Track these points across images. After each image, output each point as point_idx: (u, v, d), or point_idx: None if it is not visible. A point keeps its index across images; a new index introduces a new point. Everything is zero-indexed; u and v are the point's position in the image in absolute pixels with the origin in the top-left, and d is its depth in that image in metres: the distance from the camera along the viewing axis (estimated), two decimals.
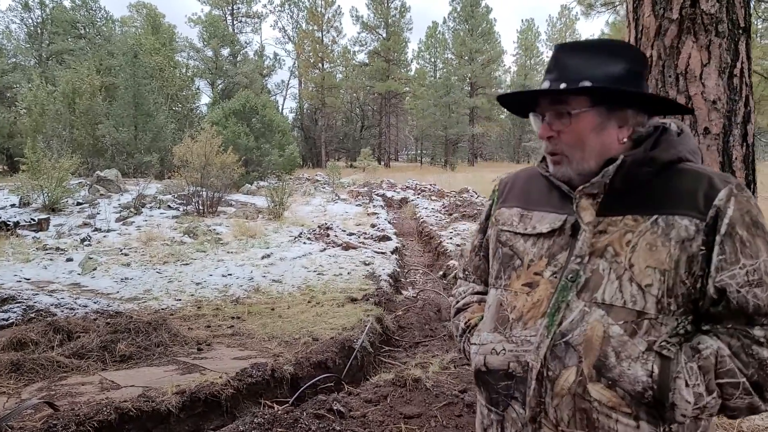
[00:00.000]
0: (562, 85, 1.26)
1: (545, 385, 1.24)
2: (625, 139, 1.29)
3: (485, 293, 1.57)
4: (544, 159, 1.43)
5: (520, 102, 1.44)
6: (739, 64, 2.90)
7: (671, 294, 1.18)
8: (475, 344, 1.42)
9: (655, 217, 1.21)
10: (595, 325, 1.20)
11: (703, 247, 1.18)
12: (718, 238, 1.18)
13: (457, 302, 1.63)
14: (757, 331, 1.15)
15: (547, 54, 68.18)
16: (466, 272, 1.65)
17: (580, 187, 1.28)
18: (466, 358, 1.54)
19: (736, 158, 2.90)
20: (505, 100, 1.43)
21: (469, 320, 1.54)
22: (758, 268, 1.16)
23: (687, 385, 1.15)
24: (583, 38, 71.46)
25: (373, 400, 3.66)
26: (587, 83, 1.25)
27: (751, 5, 2.73)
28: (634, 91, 1.27)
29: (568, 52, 1.31)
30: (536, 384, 1.25)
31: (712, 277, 1.18)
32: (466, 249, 1.68)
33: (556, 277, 1.28)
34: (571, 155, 1.30)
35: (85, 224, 12.57)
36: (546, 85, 1.30)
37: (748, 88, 2.95)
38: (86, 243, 10.76)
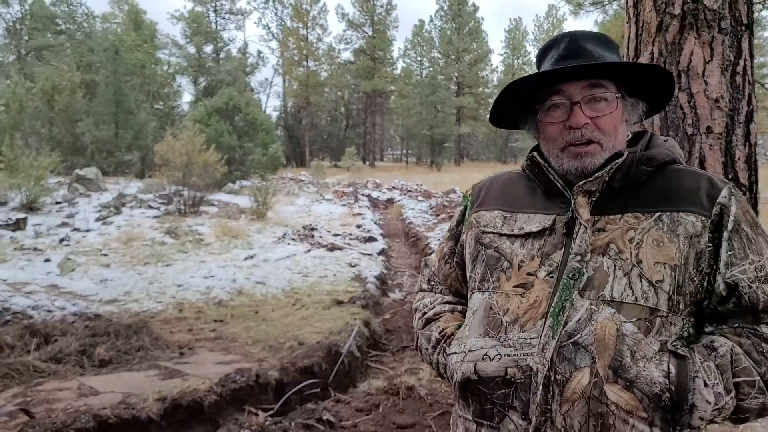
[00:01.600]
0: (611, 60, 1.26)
1: (552, 390, 1.14)
2: (629, 134, 1.32)
3: (455, 303, 1.49)
4: (530, 159, 1.37)
5: (520, 99, 1.35)
6: (741, 62, 2.83)
7: (681, 291, 1.16)
8: (456, 353, 1.30)
9: (658, 214, 1.20)
10: (606, 324, 1.13)
11: (710, 244, 1.17)
12: (725, 234, 1.17)
13: (424, 313, 1.50)
14: (766, 329, 1.14)
15: (534, 54, 68.59)
16: (432, 283, 1.56)
17: (580, 183, 1.24)
18: (437, 371, 1.45)
19: (738, 158, 2.82)
20: (512, 99, 1.36)
21: (443, 329, 1.43)
22: (764, 264, 1.17)
23: (706, 384, 1.09)
24: None
25: (364, 409, 3.54)
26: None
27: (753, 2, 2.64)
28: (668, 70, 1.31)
29: (587, 39, 1.29)
30: (543, 389, 1.14)
31: (722, 273, 1.16)
32: (430, 259, 1.59)
33: (552, 277, 1.21)
34: (606, 144, 1.24)
35: (64, 224, 12.29)
36: (569, 64, 1.25)
37: (750, 86, 2.87)
38: (65, 243, 10.50)
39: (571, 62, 1.24)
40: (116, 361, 4.84)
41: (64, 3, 46.33)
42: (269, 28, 64.86)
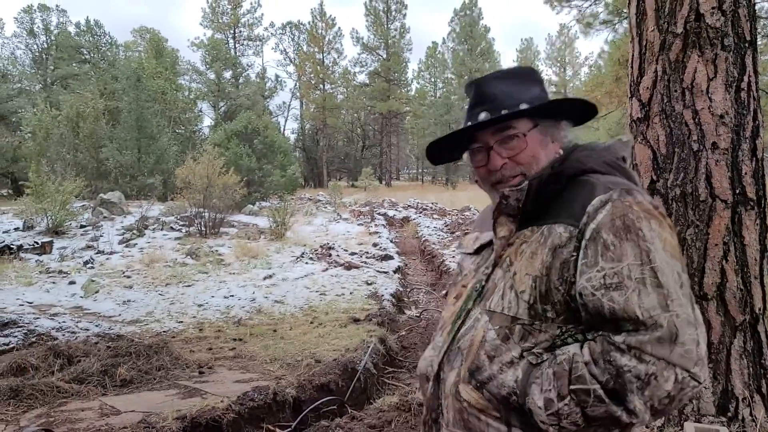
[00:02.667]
0: (503, 111, 1.32)
1: (440, 387, 1.33)
2: (559, 151, 1.38)
3: None
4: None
5: (449, 146, 1.50)
6: (746, 78, 2.87)
7: (546, 300, 1.20)
8: None
9: (543, 227, 1.25)
10: (479, 331, 1.26)
11: (574, 253, 1.19)
12: (583, 243, 1.18)
13: None
14: (619, 337, 1.11)
15: (546, 73, 68.51)
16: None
17: (494, 208, 1.34)
18: None
19: (745, 173, 2.85)
20: (439, 146, 1.50)
21: None
22: (619, 271, 1.13)
23: (541, 390, 1.14)
24: (582, 56, 71.63)
25: (377, 426, 3.57)
26: (524, 105, 1.32)
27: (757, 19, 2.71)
28: (575, 99, 1.37)
29: (491, 83, 1.39)
30: (433, 384, 1.35)
31: (576, 282, 1.18)
32: None
33: (472, 288, 1.37)
34: (528, 173, 1.33)
35: (88, 247, 12.54)
36: (483, 116, 1.34)
37: (756, 102, 2.91)
38: (89, 266, 10.71)
39: (478, 110, 1.36)
40: (137, 381, 4.92)
41: (88, 33, 47.51)
42: (286, 53, 65.71)
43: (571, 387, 1.12)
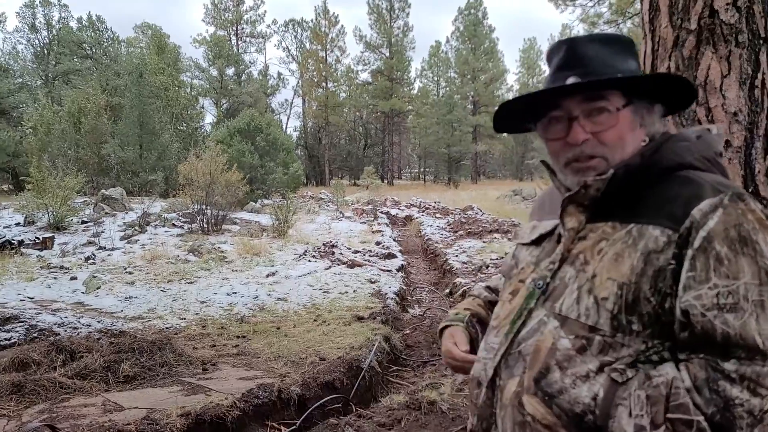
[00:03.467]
0: (591, 78, 1.15)
1: (496, 394, 1.18)
2: (645, 140, 1.21)
3: (494, 288, 1.60)
4: (547, 164, 1.32)
5: (522, 112, 1.29)
6: (760, 75, 2.83)
7: (632, 311, 1.06)
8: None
9: (632, 225, 1.11)
10: (546, 336, 1.12)
11: (673, 262, 1.05)
12: (689, 252, 1.03)
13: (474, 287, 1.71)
14: (729, 365, 0.97)
15: (548, 73, 68.36)
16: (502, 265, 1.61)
17: (567, 194, 1.19)
18: None
19: (759, 171, 2.81)
20: (510, 110, 1.29)
21: (455, 311, 1.57)
22: (735, 290, 0.99)
23: (630, 414, 1.00)
24: None
25: (386, 424, 3.55)
26: (620, 75, 1.16)
27: None
28: (680, 78, 1.20)
29: (587, 44, 1.20)
30: (486, 392, 1.20)
31: (679, 296, 1.04)
32: None
33: (532, 284, 1.22)
34: (611, 157, 1.17)
35: (90, 243, 12.52)
36: (572, 80, 1.15)
37: None
38: (90, 261, 10.69)
39: (567, 73, 1.18)
40: (140, 377, 4.90)
41: (90, 28, 47.49)
42: (289, 50, 65.76)
43: (668, 416, 0.98)
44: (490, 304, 1.51)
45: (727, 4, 2.92)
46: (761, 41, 2.85)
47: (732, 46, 2.85)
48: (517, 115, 1.31)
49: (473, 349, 1.40)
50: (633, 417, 1.00)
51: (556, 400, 1.07)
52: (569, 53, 1.20)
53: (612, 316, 1.07)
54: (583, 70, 1.16)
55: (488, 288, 1.60)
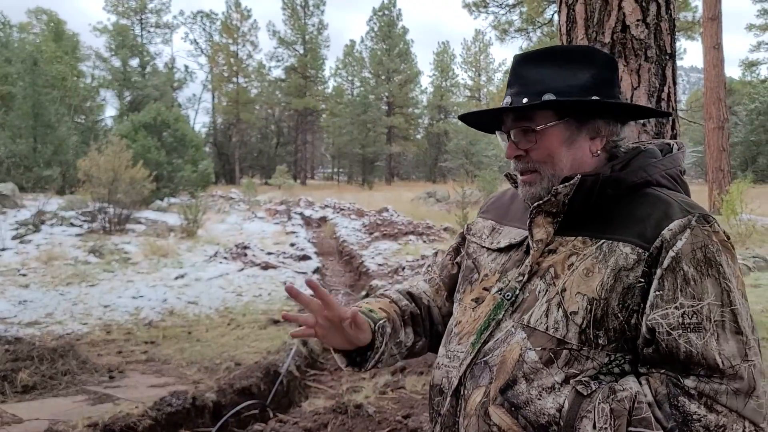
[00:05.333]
0: (524, 100, 1.18)
1: (461, 403, 1.19)
2: (598, 151, 1.22)
3: (415, 297, 1.47)
4: (510, 177, 1.39)
5: (483, 120, 1.37)
6: (666, 88, 3.03)
7: (600, 326, 1.08)
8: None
9: (602, 241, 1.12)
10: (513, 347, 1.13)
11: (642, 280, 1.07)
12: (658, 272, 1.06)
13: (386, 288, 1.55)
14: (689, 381, 1.02)
15: (462, 77, 70.26)
16: (430, 269, 1.56)
17: (535, 204, 1.19)
18: None
19: None
20: (469, 120, 1.37)
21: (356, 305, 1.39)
22: (699, 311, 1.03)
23: (594, 427, 1.02)
24: (497, 62, 73.78)
25: (312, 429, 3.50)
26: (550, 95, 1.17)
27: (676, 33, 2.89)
28: (591, 100, 1.17)
29: (528, 63, 1.23)
30: (451, 401, 1.21)
31: (646, 314, 1.06)
32: (441, 250, 1.63)
33: (500, 294, 1.21)
34: (543, 172, 1.21)
35: None
36: (507, 101, 1.22)
37: (674, 111, 3.09)
38: None
39: (510, 90, 1.23)
40: (41, 387, 4.59)
41: None
42: (197, 43, 63.50)
43: (630, 429, 1.01)
44: (410, 316, 1.43)
45: (638, 20, 3.10)
46: (667, 56, 3.05)
47: (642, 60, 3.04)
48: (483, 123, 1.39)
49: (364, 350, 1.30)
50: (597, 429, 1.02)
51: (522, 411, 1.09)
52: (513, 71, 1.25)
53: (580, 330, 1.09)
54: (519, 89, 1.21)
55: (409, 295, 1.48)
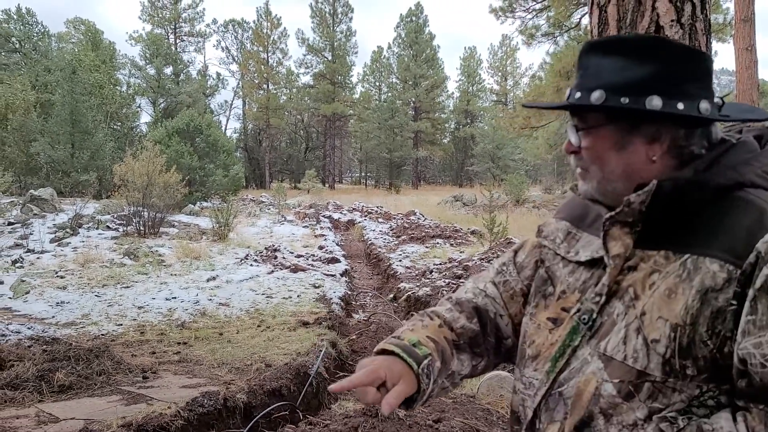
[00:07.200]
0: (577, 95, 1.06)
1: None
2: (655, 157, 1.04)
3: (481, 308, 1.28)
4: None
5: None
6: None
7: (687, 355, 0.94)
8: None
9: (686, 256, 0.97)
10: (589, 379, 1.01)
11: (734, 302, 0.91)
12: (750, 293, 0.90)
13: (437, 302, 1.35)
14: None
15: (488, 81, 69.89)
16: (505, 268, 1.35)
17: (609, 214, 1.05)
18: None
19: None
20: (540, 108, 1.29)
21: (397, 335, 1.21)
22: None
23: None
24: (523, 67, 72.87)
25: None
26: (600, 92, 1.03)
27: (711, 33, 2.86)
28: (628, 107, 1.01)
29: (591, 53, 1.09)
30: None
31: (737, 342, 0.91)
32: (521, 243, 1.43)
33: (577, 317, 1.09)
34: (593, 173, 1.09)
35: (17, 245, 11.90)
36: (567, 93, 1.10)
37: None
38: (18, 265, 10.16)
39: (574, 82, 1.11)
40: (77, 387, 4.69)
41: (19, 21, 45.24)
42: (229, 51, 64.56)
43: None
44: (468, 340, 1.25)
45: (672, 20, 3.05)
46: None
47: None
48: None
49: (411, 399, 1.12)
50: None
51: None
52: (579, 60, 1.12)
53: (664, 361, 0.95)
54: (579, 82, 1.09)
55: (473, 309, 1.28)
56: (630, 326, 0.99)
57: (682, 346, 0.94)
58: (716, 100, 1.04)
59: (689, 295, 0.94)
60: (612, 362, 0.99)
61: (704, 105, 1.01)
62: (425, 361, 1.12)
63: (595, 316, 1.05)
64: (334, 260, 12.19)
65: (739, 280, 0.91)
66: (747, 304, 0.90)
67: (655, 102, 1.00)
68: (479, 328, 1.26)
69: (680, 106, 1.00)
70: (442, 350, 1.19)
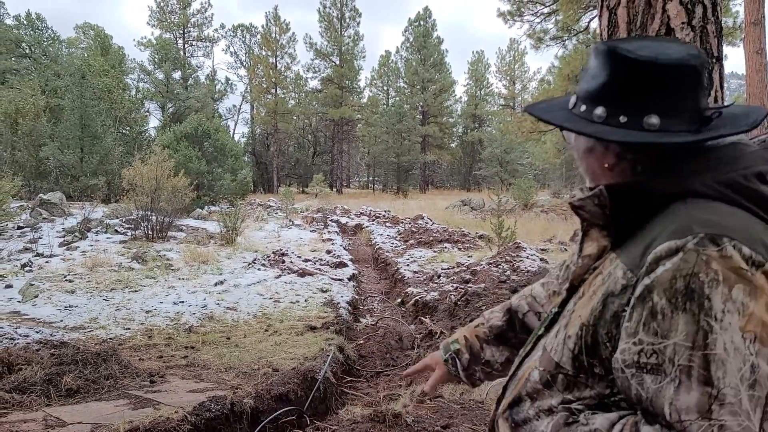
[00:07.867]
0: (572, 99, 1.12)
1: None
2: (606, 165, 1.06)
3: (513, 309, 1.51)
4: None
5: None
6: (713, 93, 2.94)
7: (593, 354, 0.98)
8: None
9: (618, 261, 1.00)
10: (531, 365, 1.13)
11: (626, 308, 0.93)
12: (632, 300, 0.92)
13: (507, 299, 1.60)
14: (647, 429, 0.88)
15: (496, 86, 69.82)
16: (560, 268, 1.46)
17: (582, 218, 1.10)
18: None
19: None
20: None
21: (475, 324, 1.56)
22: (661, 350, 0.86)
23: None
24: (531, 71, 72.81)
25: None
26: (573, 99, 1.09)
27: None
28: (561, 125, 1.06)
29: (592, 56, 1.08)
30: (495, 405, 1.23)
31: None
32: None
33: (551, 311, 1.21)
34: (582, 171, 1.16)
35: (26, 249, 11.96)
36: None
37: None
38: (27, 269, 10.20)
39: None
40: (84, 391, 4.69)
41: (29, 27, 45.64)
42: (237, 55, 64.81)
43: None
44: (495, 335, 1.50)
45: (683, 23, 3.02)
46: (714, 59, 2.97)
47: None
48: None
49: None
50: None
51: (520, 429, 1.09)
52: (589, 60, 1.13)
53: (573, 356, 1.01)
54: (580, 81, 1.12)
55: (507, 310, 1.53)
56: (562, 322, 1.08)
57: (587, 344, 0.99)
58: (708, 109, 1.01)
59: (596, 298, 1.00)
60: (545, 353, 1.09)
61: (652, 120, 0.98)
62: (447, 355, 1.53)
63: (556, 309, 1.14)
64: (342, 264, 12.17)
65: (633, 288, 0.93)
66: (627, 312, 0.93)
67: (599, 112, 1.03)
68: (506, 325, 1.49)
69: (622, 119, 1.00)
70: (471, 345, 1.50)
